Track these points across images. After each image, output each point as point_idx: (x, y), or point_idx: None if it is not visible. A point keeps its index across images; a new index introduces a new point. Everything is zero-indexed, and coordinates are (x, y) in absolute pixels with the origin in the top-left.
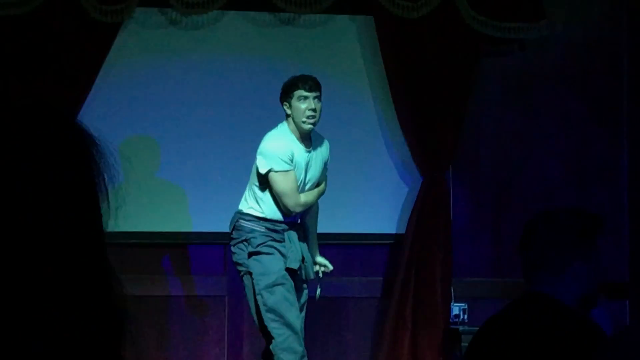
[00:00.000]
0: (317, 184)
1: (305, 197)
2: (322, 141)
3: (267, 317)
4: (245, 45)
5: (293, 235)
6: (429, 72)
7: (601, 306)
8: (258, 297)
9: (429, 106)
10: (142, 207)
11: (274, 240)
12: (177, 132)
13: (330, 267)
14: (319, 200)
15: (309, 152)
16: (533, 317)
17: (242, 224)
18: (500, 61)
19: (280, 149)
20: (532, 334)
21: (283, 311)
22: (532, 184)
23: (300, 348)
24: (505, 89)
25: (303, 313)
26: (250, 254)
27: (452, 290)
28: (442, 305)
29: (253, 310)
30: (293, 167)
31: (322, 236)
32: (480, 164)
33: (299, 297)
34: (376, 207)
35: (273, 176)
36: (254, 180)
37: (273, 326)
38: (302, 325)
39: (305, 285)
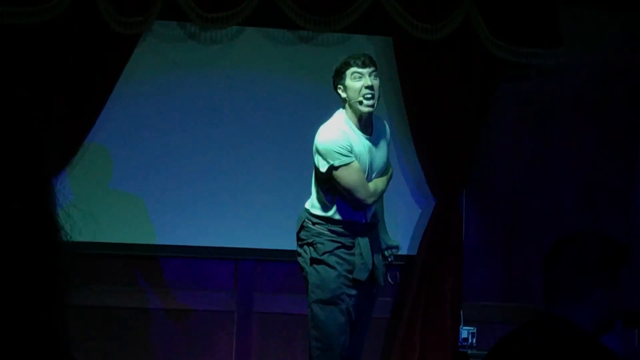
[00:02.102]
0: (385, 172)
1: (375, 185)
2: (383, 124)
3: (311, 332)
4: (263, 62)
5: (364, 241)
6: (445, 95)
7: (612, 332)
8: (308, 310)
9: (445, 129)
10: (153, 219)
11: (343, 246)
12: (193, 145)
13: (398, 247)
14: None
15: (370, 138)
16: (549, 340)
17: (310, 226)
18: (517, 86)
19: (335, 142)
20: (547, 357)
21: (328, 333)
22: (545, 210)
23: None
24: (521, 114)
25: (365, 325)
26: (312, 261)
27: (462, 313)
28: (451, 329)
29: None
30: (354, 158)
31: None
32: (493, 188)
33: (366, 306)
34: (388, 228)
35: (335, 173)
36: (314, 180)
37: (314, 345)
38: (362, 337)
39: (375, 291)
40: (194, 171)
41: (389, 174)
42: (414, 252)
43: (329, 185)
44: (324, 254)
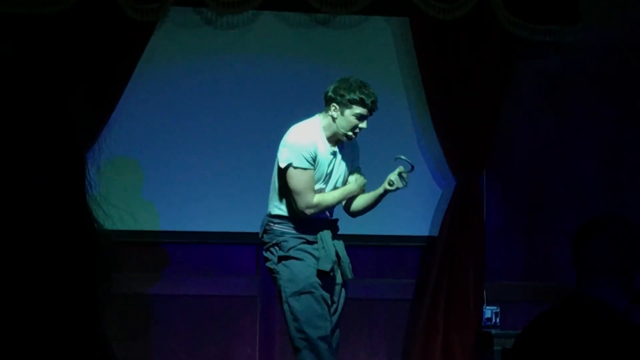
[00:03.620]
0: (342, 186)
1: (321, 199)
2: (353, 144)
3: (292, 326)
4: (280, 46)
5: (326, 235)
6: (463, 75)
7: None
8: (285, 305)
9: (464, 109)
10: (175, 206)
11: (307, 242)
12: (212, 131)
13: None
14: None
15: (334, 152)
16: (586, 322)
17: (272, 227)
18: (535, 64)
19: (304, 146)
20: (583, 338)
21: (309, 322)
22: (565, 188)
23: None
24: (540, 92)
25: (336, 316)
26: (280, 259)
27: (485, 293)
28: (474, 309)
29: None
30: (314, 167)
31: (354, 238)
32: (514, 167)
33: (334, 299)
34: (409, 210)
35: (290, 171)
36: (276, 178)
37: (298, 337)
38: (335, 328)
39: (342, 287)
40: (213, 157)
41: (351, 189)
42: (436, 233)
43: (285, 183)
44: (289, 249)
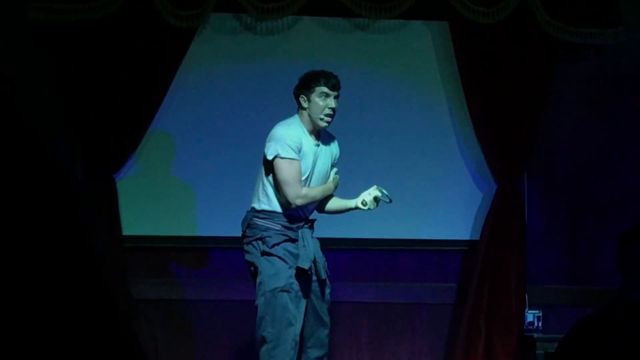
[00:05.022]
0: (324, 181)
1: (308, 191)
2: (332, 139)
3: (264, 321)
4: (320, 51)
5: (307, 233)
6: (504, 78)
7: None
8: (260, 299)
9: (504, 112)
10: (211, 211)
11: (290, 239)
12: (251, 136)
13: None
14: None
15: (318, 145)
16: (630, 325)
17: (256, 222)
18: (576, 67)
19: (289, 137)
20: (628, 342)
21: (280, 318)
22: (608, 191)
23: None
24: (581, 95)
25: (325, 316)
26: (264, 253)
27: (527, 297)
28: (516, 313)
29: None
30: (299, 158)
31: (397, 242)
32: (555, 170)
33: (307, 294)
34: (450, 214)
35: (278, 162)
36: (263, 172)
37: (268, 330)
38: (321, 328)
39: (321, 289)
40: (252, 162)
41: (329, 187)
42: (477, 237)
43: (273, 176)
44: (273, 246)
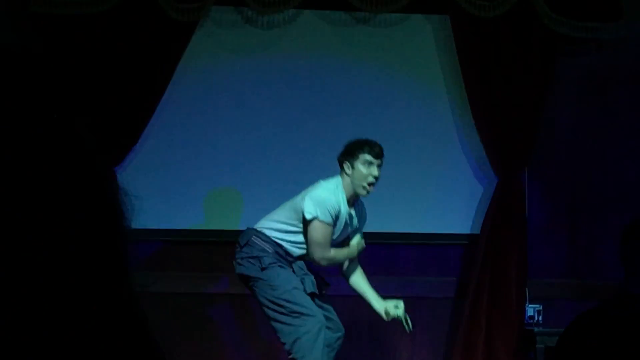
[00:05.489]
0: (345, 242)
1: (335, 254)
2: (362, 206)
3: (291, 316)
4: (321, 44)
5: (301, 263)
6: (505, 72)
7: None
8: (280, 301)
9: (505, 106)
10: (213, 205)
11: (281, 265)
12: (252, 130)
13: (407, 328)
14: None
15: (351, 214)
16: (631, 319)
17: (255, 241)
18: (577, 61)
19: (331, 203)
20: (629, 336)
21: (308, 308)
22: (608, 185)
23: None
24: (581, 89)
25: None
26: (264, 268)
27: (527, 291)
28: (516, 307)
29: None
30: (333, 225)
31: (397, 236)
32: (556, 164)
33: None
34: (451, 208)
35: (315, 223)
36: (291, 214)
37: (298, 324)
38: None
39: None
40: (251, 155)
41: (352, 253)
42: (478, 231)
43: (304, 228)
44: (270, 264)
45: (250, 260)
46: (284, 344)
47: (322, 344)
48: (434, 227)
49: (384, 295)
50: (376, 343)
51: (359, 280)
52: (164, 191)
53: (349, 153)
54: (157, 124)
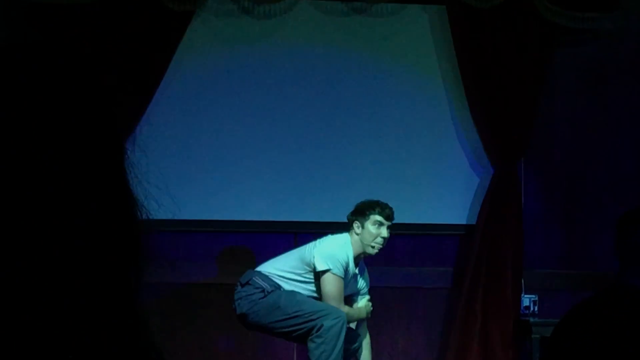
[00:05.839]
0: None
1: (348, 310)
2: (365, 269)
3: (312, 318)
4: (317, 34)
5: None
6: (501, 63)
7: None
8: (292, 314)
9: (501, 97)
10: (212, 195)
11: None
12: (248, 120)
13: None
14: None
15: (356, 274)
16: (625, 310)
17: (256, 281)
18: (573, 51)
19: (342, 257)
20: (624, 327)
21: (320, 303)
22: (604, 176)
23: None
24: (578, 79)
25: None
26: (265, 296)
27: (523, 281)
28: (512, 297)
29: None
30: (343, 278)
31: (394, 226)
32: (552, 155)
33: None
34: (447, 198)
35: (328, 277)
36: (298, 264)
37: (321, 320)
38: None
39: None
40: (249, 146)
41: (362, 315)
42: (474, 222)
43: (314, 280)
44: (271, 291)
45: (249, 297)
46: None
47: (344, 336)
48: (430, 218)
49: (381, 285)
50: (373, 333)
51: (366, 356)
52: (160, 181)
53: (360, 213)
54: (153, 114)
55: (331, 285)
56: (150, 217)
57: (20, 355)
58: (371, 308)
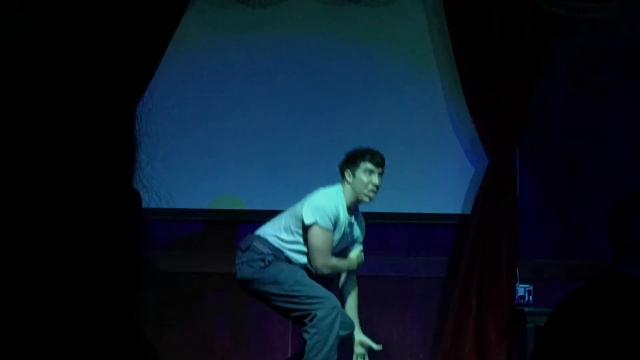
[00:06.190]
0: (344, 254)
1: (336, 262)
2: (362, 218)
3: (307, 303)
4: (312, 23)
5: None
6: (497, 52)
7: None
8: (290, 293)
9: (497, 86)
10: (209, 184)
11: (284, 262)
12: (244, 109)
13: (376, 347)
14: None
15: (351, 222)
16: (619, 298)
17: (256, 246)
18: (569, 41)
19: (329, 208)
20: (617, 315)
21: (318, 287)
22: (600, 165)
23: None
24: (574, 69)
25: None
26: (266, 266)
27: (518, 271)
28: (507, 286)
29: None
30: (334, 230)
31: (388, 216)
32: (547, 144)
33: None
34: (442, 187)
35: (315, 229)
36: (292, 221)
37: (315, 306)
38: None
39: None
40: (244, 135)
41: (353, 266)
42: (469, 211)
43: (304, 236)
44: (272, 261)
45: (251, 263)
46: (302, 329)
47: (339, 325)
48: (425, 207)
49: (376, 274)
50: (367, 323)
51: (351, 305)
52: (155, 170)
53: (350, 161)
54: (148, 103)
55: (316, 237)
56: (146, 207)
57: (20, 355)
58: (363, 259)
